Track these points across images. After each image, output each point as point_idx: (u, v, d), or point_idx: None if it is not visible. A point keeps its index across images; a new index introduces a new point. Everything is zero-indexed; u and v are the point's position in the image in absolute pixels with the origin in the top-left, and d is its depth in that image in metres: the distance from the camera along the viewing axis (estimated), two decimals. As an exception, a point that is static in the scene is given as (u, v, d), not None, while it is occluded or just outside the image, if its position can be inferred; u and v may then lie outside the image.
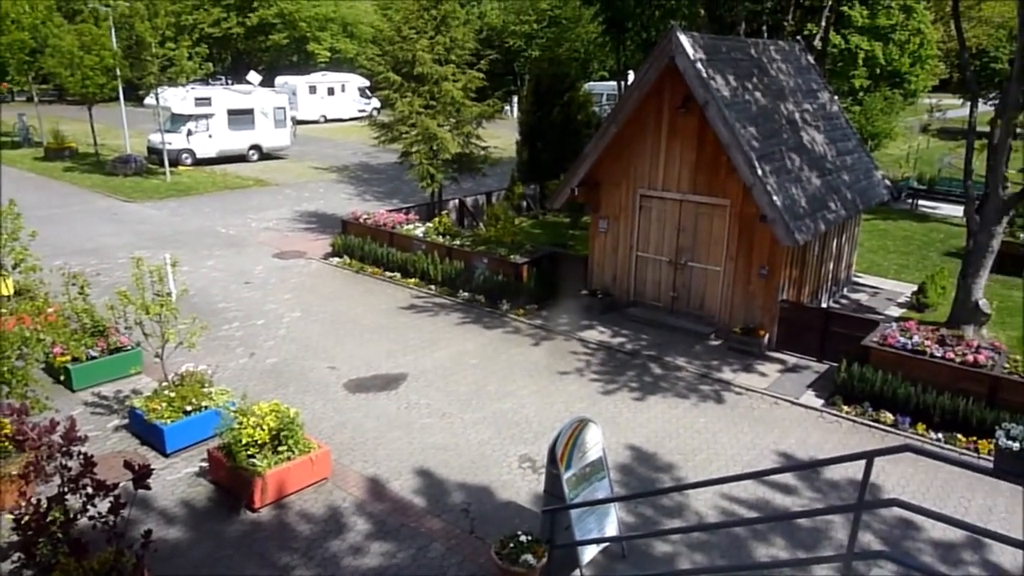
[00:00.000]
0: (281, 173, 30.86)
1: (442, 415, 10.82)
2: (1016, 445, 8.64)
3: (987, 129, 13.88)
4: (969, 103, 14.71)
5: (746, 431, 10.61)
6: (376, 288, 16.59)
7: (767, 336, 13.18)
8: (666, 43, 12.74)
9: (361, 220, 18.36)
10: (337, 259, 18.34)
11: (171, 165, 29.01)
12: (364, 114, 48.67)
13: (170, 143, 29.38)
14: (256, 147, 33.58)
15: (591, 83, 46.93)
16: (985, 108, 41.09)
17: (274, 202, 25.29)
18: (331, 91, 50.31)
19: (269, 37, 58.20)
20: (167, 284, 10.70)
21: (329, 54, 60.36)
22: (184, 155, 31.01)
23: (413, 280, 16.73)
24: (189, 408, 9.59)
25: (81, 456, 6.77)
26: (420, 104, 18.72)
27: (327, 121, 49.86)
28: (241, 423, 8.52)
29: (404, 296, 16.05)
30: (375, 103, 49.12)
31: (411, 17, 18.99)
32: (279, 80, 48.93)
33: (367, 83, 47.68)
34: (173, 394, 9.69)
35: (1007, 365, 10.47)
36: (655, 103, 13.66)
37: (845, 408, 11.09)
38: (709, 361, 12.87)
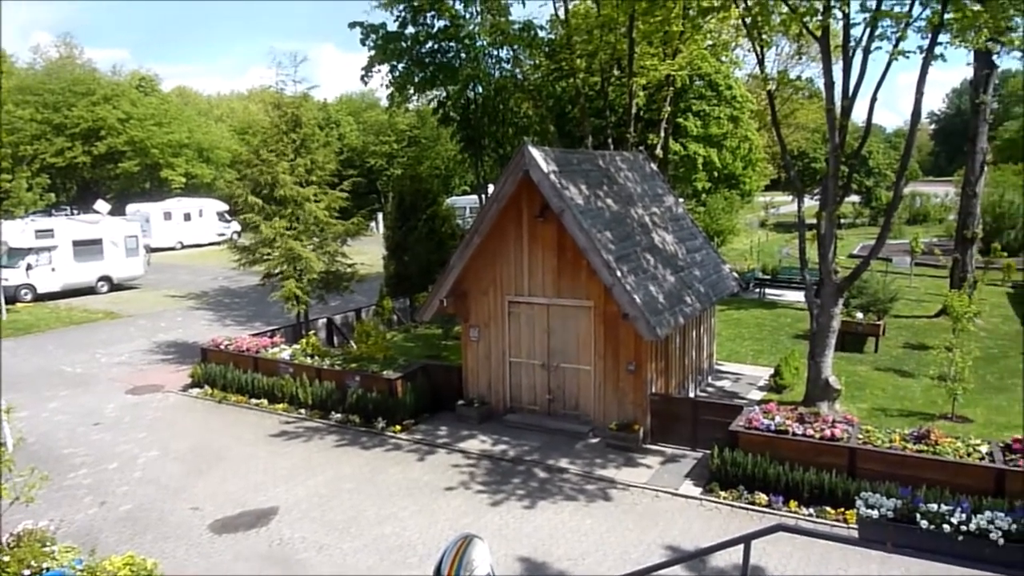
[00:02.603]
0: (134, 304, 29.28)
1: (319, 548, 10.17)
2: (875, 513, 9.11)
3: (815, 221, 15.28)
4: (796, 199, 16.21)
5: (632, 527, 10.61)
6: (242, 417, 15.73)
7: (641, 430, 13.45)
8: (520, 158, 13.38)
9: (222, 347, 17.56)
10: (197, 390, 17.34)
11: (8, 302, 26.87)
12: (224, 238, 47.54)
13: (7, 279, 27.32)
14: (106, 278, 31.85)
15: (453, 198, 48.29)
16: (811, 202, 45.56)
17: (126, 335, 23.83)
18: (188, 216, 48.96)
19: (119, 165, 56.34)
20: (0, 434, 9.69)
21: (184, 179, 59.07)
22: (23, 291, 28.89)
23: (281, 405, 16.01)
24: (27, 573, 8.51)
25: None
26: (283, 226, 18.53)
27: (184, 247, 48.26)
28: (89, 583, 7.64)
29: (272, 423, 15.29)
30: (235, 226, 48.17)
31: (270, 140, 19.06)
32: (131, 208, 47.21)
33: (226, 207, 46.82)
34: (7, 558, 8.59)
35: (860, 436, 11.16)
36: (515, 213, 14.18)
37: (722, 494, 11.37)
38: (591, 460, 12.93)
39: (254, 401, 16.39)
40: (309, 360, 16.26)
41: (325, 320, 21.65)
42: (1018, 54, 13.78)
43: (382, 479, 12.42)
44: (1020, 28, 13.35)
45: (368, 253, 28.73)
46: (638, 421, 13.53)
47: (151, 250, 41.06)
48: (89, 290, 31.16)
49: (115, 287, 32.21)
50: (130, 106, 57.51)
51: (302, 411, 15.73)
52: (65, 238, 30.44)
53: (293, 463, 13.16)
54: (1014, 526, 8.57)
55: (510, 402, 15.07)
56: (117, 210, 43.89)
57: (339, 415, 15.25)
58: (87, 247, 31.07)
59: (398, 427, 14.57)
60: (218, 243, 46.88)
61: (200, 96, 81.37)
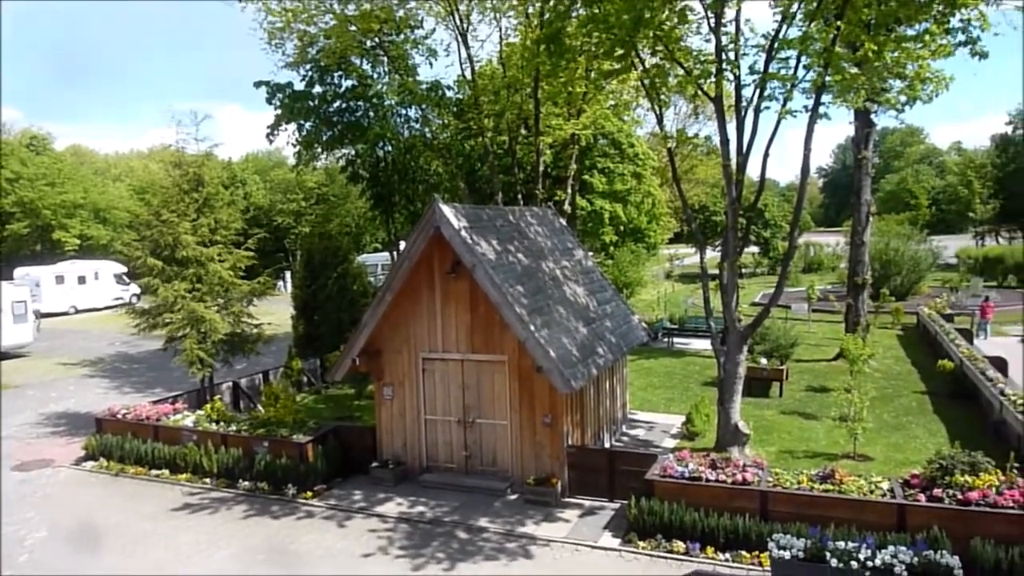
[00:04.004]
0: (22, 373, 27.43)
1: (226, 626, 9.59)
2: (787, 554, 9.31)
3: (717, 272, 15.88)
4: (699, 251, 16.84)
5: (553, 585, 10.48)
6: (141, 491, 14.82)
7: (559, 483, 13.40)
8: (431, 214, 13.43)
9: (119, 416, 16.61)
10: (92, 463, 16.28)
11: None
12: (122, 301, 45.30)
13: None
14: (-11, 347, 29.84)
15: (365, 255, 47.81)
16: (713, 254, 47.43)
17: (13, 407, 22.21)
18: (82, 279, 46.57)
19: (6, 227, 53.37)
20: None
21: (79, 241, 56.39)
22: None
23: (184, 476, 15.18)
24: None
25: None
26: (185, 288, 17.87)
27: (78, 312, 45.78)
28: None
29: (175, 495, 14.46)
30: (135, 289, 46.10)
31: (171, 200, 18.47)
32: (19, 271, 44.59)
33: (124, 269, 44.86)
34: None
35: (770, 479, 11.46)
36: (426, 269, 14.15)
37: (641, 544, 11.38)
38: (510, 517, 12.75)
39: (154, 472, 15.50)
40: (214, 426, 15.56)
41: (231, 384, 20.83)
42: (894, 113, 14.91)
43: (295, 549, 11.88)
44: (894, 90, 14.48)
45: (276, 313, 27.93)
46: (556, 474, 13.48)
47: (41, 315, 38.79)
48: (-30, 360, 29.10)
49: (1, 356, 30.18)
50: (20, 165, 54.85)
51: (207, 481, 14.96)
52: (-56, 305, 28.45)
53: (197, 537, 12.44)
54: (916, 559, 8.93)
55: (426, 461, 14.78)
56: (4, 274, 41.42)
57: (247, 483, 14.58)
58: (-31, 314, 29.10)
59: (310, 493, 14.04)
60: (116, 307, 44.67)
61: (97, 155, 78.57)
